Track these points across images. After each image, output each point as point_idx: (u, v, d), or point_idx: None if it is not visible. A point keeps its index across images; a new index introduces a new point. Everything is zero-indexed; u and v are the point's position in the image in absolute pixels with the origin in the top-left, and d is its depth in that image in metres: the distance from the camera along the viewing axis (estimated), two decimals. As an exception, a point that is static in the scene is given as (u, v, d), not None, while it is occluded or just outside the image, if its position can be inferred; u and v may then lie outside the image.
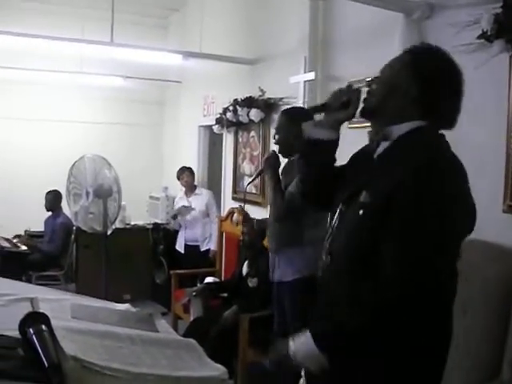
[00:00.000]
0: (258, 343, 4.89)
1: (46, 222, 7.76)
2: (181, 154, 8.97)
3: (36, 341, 1.25)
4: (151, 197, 8.50)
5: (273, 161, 3.84)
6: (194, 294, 5.55)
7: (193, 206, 7.14)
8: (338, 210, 1.92)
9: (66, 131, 9.14)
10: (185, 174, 7.32)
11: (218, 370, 1.42)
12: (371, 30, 4.64)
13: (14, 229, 7.99)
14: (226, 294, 5.66)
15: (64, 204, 7.10)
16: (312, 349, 1.76)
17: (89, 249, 7.00)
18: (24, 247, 7.52)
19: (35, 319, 1.32)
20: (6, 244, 7.59)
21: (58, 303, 1.70)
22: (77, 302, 1.79)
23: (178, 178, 7.39)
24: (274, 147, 4.00)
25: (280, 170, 3.87)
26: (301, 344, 1.81)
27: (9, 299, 1.63)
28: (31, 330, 1.28)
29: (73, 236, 7.44)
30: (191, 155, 8.42)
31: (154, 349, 1.42)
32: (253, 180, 4.40)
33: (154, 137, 9.95)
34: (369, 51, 4.53)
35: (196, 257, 6.98)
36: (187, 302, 5.74)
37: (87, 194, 6.08)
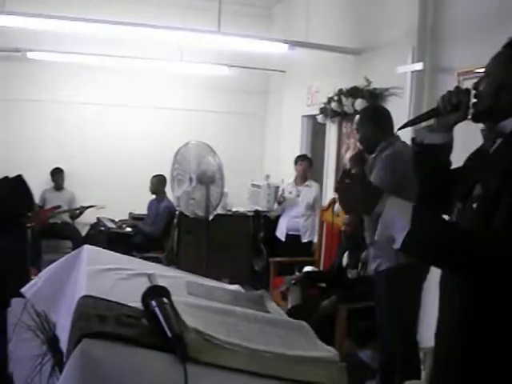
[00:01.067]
0: (355, 335, 4.88)
1: (150, 205, 8.04)
2: (283, 143, 9.03)
3: (158, 312, 1.32)
4: (253, 184, 8.61)
5: (358, 158, 3.85)
6: (292, 282, 5.58)
7: (300, 197, 7.15)
8: (456, 209, 1.91)
9: (171, 118, 9.42)
10: (303, 162, 7.28)
11: (330, 351, 1.44)
12: (485, 18, 4.46)
13: (119, 211, 8.32)
14: (324, 284, 5.66)
15: (167, 189, 7.32)
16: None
17: (190, 233, 7.18)
18: (128, 229, 7.83)
19: (157, 292, 1.39)
20: (111, 225, 7.93)
21: (174, 280, 1.77)
22: (191, 279, 1.85)
23: (295, 164, 7.33)
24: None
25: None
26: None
27: (128, 273, 1.71)
28: (153, 303, 1.35)
29: (175, 220, 7.67)
30: (293, 144, 8.44)
31: (268, 328, 1.46)
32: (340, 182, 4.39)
33: (256, 126, 10.04)
34: (480, 41, 4.35)
35: (296, 247, 7.00)
36: (286, 289, 5.78)
37: (190, 179, 6.23)
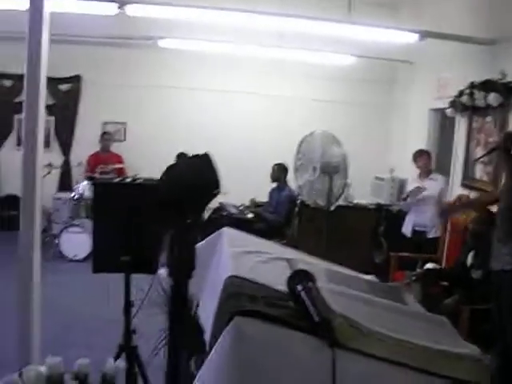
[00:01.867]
0: (478, 337, 4.70)
1: (271, 193, 8.13)
2: (409, 135, 8.81)
3: (305, 296, 1.34)
4: (376, 177, 8.47)
5: (510, 143, 3.66)
6: (413, 278, 5.47)
7: (426, 191, 6.95)
8: None
9: (295, 107, 9.46)
10: (422, 156, 7.07)
11: (474, 349, 1.40)
12: None
13: (241, 197, 8.47)
14: (446, 283, 5.50)
15: (289, 177, 7.37)
16: None
17: (311, 222, 7.19)
18: (250, 215, 7.96)
19: (302, 277, 1.41)
20: (234, 210, 8.09)
21: (314, 266, 1.78)
22: (329, 267, 1.86)
23: (414, 160, 7.13)
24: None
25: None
26: None
27: (268, 257, 1.75)
28: (299, 287, 1.38)
29: (296, 209, 7.71)
30: (420, 137, 8.21)
31: (408, 320, 1.44)
32: (482, 157, 4.20)
33: (381, 117, 9.86)
34: None
35: (421, 242, 6.80)
36: (406, 285, 5.67)
37: (314, 169, 6.25)
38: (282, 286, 1.42)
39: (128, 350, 3.31)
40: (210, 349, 1.32)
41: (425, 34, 6.60)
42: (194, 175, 1.37)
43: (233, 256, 1.67)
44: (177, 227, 1.35)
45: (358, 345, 1.25)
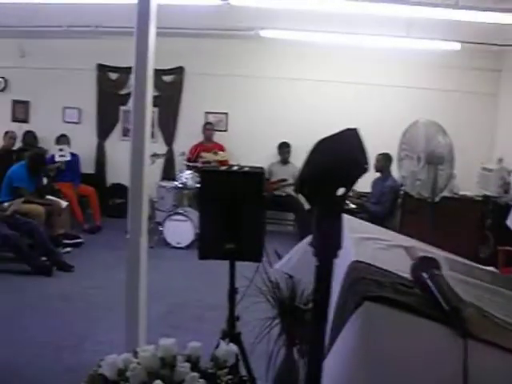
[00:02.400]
0: None
1: (374, 183, 7.99)
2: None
3: (431, 284, 1.29)
4: (484, 168, 8.13)
5: None
6: (524, 273, 5.23)
7: None
8: None
9: (397, 96, 9.25)
10: None
11: None
12: None
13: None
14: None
15: (392, 167, 7.22)
16: None
17: (414, 214, 7.01)
18: (352, 205, 7.87)
19: (427, 264, 1.36)
20: (336, 201, 8.01)
21: (433, 255, 1.73)
22: (448, 256, 1.80)
23: None
24: None
25: None
26: None
27: (387, 244, 1.71)
28: (425, 274, 1.33)
29: (399, 200, 7.55)
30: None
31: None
32: None
33: (488, 105, 9.45)
34: None
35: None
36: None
37: (418, 159, 6.07)
38: (403, 273, 1.38)
39: (231, 336, 3.35)
40: (332, 332, 1.30)
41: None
42: (345, 148, 1.34)
43: (354, 242, 1.65)
44: (325, 202, 1.32)
45: (492, 337, 1.19)
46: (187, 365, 1.76)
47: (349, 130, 1.40)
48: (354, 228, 1.76)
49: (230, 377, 1.79)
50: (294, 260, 2.03)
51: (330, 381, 1.22)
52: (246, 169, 3.20)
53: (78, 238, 8.06)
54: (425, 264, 1.37)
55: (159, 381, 1.66)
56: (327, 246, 1.28)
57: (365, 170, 1.34)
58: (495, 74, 9.46)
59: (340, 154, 1.33)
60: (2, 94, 10.46)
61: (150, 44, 3.90)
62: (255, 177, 3.14)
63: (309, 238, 1.99)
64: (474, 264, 1.88)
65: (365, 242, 1.67)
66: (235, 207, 3.08)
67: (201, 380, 1.71)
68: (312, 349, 1.17)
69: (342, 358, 1.23)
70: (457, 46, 8.29)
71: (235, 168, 3.25)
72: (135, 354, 1.85)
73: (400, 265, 1.39)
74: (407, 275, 1.37)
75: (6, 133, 9.60)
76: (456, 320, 1.18)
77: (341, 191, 1.32)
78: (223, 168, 3.43)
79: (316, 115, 9.23)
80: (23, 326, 5.03)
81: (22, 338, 4.74)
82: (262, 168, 3.20)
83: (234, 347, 1.87)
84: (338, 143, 1.35)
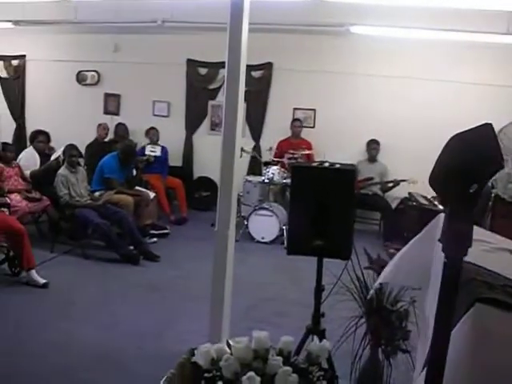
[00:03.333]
0: None
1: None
2: None
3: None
4: None
5: None
6: None
7: None
8: None
9: (485, 95, 8.90)
10: None
11: None
12: None
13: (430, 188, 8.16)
14: None
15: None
16: None
17: (506, 218, 6.80)
18: (441, 207, 7.66)
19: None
20: (423, 201, 7.84)
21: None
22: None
23: None
24: None
25: None
26: None
27: (492, 247, 1.67)
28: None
29: (490, 203, 7.31)
30: None
31: None
32: None
33: None
34: None
35: None
36: None
37: (512, 160, 5.89)
38: (511, 275, 1.34)
39: (316, 332, 3.34)
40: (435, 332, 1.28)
41: None
42: (479, 144, 1.31)
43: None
44: (457, 198, 1.30)
45: None
46: (279, 358, 1.77)
47: (483, 125, 1.36)
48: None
49: (321, 373, 1.79)
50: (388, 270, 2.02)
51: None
52: (338, 166, 3.19)
53: (165, 228, 8.24)
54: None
55: (252, 372, 1.68)
56: (458, 243, 1.26)
57: (500, 166, 1.30)
58: None
59: (474, 150, 1.30)
60: (96, 87, 10.84)
61: (243, 40, 3.93)
62: (347, 174, 3.12)
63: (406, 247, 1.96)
64: None
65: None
66: (325, 204, 3.07)
67: (293, 375, 1.71)
68: (436, 346, 1.16)
69: (451, 357, 1.20)
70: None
71: (326, 165, 3.24)
72: (228, 344, 1.87)
73: (507, 267, 1.35)
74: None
75: (100, 125, 9.95)
76: None
77: (473, 187, 1.29)
78: (315, 164, 3.42)
79: (406, 113, 9.05)
80: (111, 311, 5.20)
81: (109, 324, 4.90)
82: (353, 165, 3.18)
83: (327, 343, 1.87)
84: (472, 139, 1.32)
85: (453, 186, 1.29)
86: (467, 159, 1.28)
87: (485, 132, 1.31)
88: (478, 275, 1.30)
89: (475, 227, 1.97)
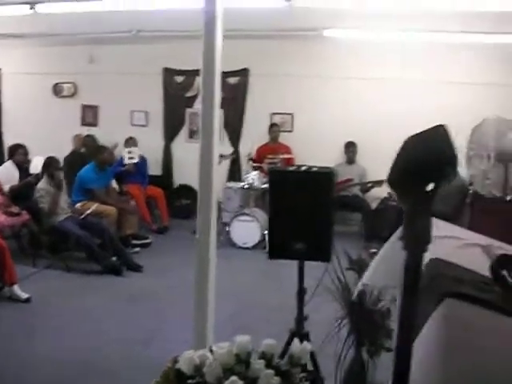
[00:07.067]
0: None
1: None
2: None
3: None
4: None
5: None
6: None
7: None
8: None
9: (462, 93, 9.02)
10: None
11: None
12: None
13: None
14: None
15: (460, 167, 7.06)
16: None
17: (484, 213, 6.84)
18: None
19: (507, 262, 1.35)
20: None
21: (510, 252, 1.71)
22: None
23: None
24: None
25: None
26: None
27: (463, 243, 1.70)
28: (505, 272, 1.32)
29: (468, 200, 7.38)
30: None
31: None
32: None
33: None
34: None
35: None
36: None
37: (488, 157, 5.96)
38: (482, 271, 1.37)
39: (300, 336, 3.36)
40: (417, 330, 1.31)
41: None
42: (433, 144, 1.35)
43: (432, 240, 1.64)
44: (415, 198, 1.34)
45: None
46: (262, 362, 1.78)
47: (437, 126, 1.41)
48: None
49: (304, 374, 1.81)
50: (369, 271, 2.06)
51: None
52: (315, 169, 3.22)
53: (147, 238, 8.24)
54: (504, 262, 1.35)
55: (235, 377, 1.69)
56: (417, 240, 1.30)
57: (454, 165, 1.35)
58: None
59: (429, 150, 1.34)
60: (72, 99, 10.80)
61: (218, 47, 3.95)
62: (324, 176, 3.15)
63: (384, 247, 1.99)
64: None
65: (442, 241, 1.67)
66: (304, 207, 3.10)
67: (276, 377, 1.73)
68: (401, 341, 1.18)
69: (423, 352, 1.23)
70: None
71: (304, 168, 3.27)
72: (211, 350, 1.88)
73: (478, 263, 1.38)
74: (486, 273, 1.36)
75: (76, 136, 9.92)
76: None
77: (430, 187, 1.34)
78: (292, 168, 3.45)
79: (382, 114, 9.13)
80: (95, 323, 5.19)
81: (94, 335, 4.89)
82: (330, 168, 3.21)
83: (308, 345, 1.89)
84: (427, 139, 1.36)
85: (410, 186, 1.33)
86: (423, 159, 1.33)
87: (439, 132, 1.35)
88: (448, 271, 1.34)
89: (448, 224, 2.01)
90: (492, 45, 8.42)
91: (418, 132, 1.42)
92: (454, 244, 1.67)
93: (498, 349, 1.17)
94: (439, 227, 1.84)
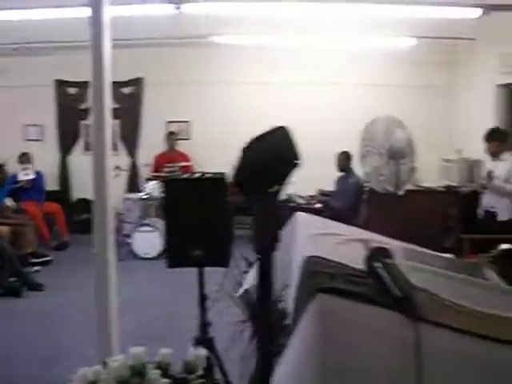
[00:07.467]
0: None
1: (338, 181, 8.09)
2: (474, 115, 8.56)
3: (384, 273, 1.33)
4: (445, 159, 8.27)
5: None
6: (489, 259, 5.31)
7: (495, 172, 6.59)
8: None
9: (355, 94, 9.35)
10: (494, 140, 6.71)
11: None
12: None
13: (307, 187, 8.41)
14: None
15: (354, 165, 7.30)
16: None
17: (379, 208, 7.08)
18: (318, 205, 7.95)
19: (380, 254, 1.40)
20: (301, 201, 8.09)
21: (389, 246, 1.77)
22: (405, 246, 1.85)
23: (487, 141, 6.53)
24: None
25: None
26: None
27: (343, 239, 1.75)
28: (378, 264, 1.37)
29: (364, 196, 7.63)
30: (486, 116, 7.95)
31: (492, 294, 1.41)
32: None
33: (444, 98, 9.62)
34: None
35: (495, 225, 6.51)
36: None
37: (380, 154, 6.18)
38: (359, 265, 1.42)
39: (204, 341, 3.35)
40: (291, 329, 1.33)
41: (490, 8, 6.41)
42: (273, 146, 1.38)
43: (309, 238, 1.69)
44: (259, 199, 1.37)
45: (443, 319, 1.23)
46: (157, 372, 1.77)
47: (279, 127, 1.46)
48: (310, 225, 1.81)
49: (201, 381, 1.81)
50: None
51: (285, 372, 1.25)
52: (208, 175, 3.23)
53: (46, 256, 7.98)
54: (377, 254, 1.41)
55: (130, 389, 1.68)
56: (265, 240, 1.33)
57: (294, 166, 1.39)
58: (450, 67, 9.64)
59: (269, 152, 1.38)
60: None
61: (106, 57, 3.89)
62: (217, 182, 3.17)
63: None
64: (432, 252, 1.93)
65: (322, 238, 1.71)
66: (200, 214, 3.10)
67: (172, 386, 1.73)
68: (260, 338, 1.20)
69: (300, 347, 1.26)
70: (412, 41, 8.46)
71: (197, 175, 3.27)
72: (105, 365, 1.86)
73: (356, 257, 1.43)
74: (361, 266, 1.41)
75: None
76: (407, 305, 1.22)
77: (275, 188, 1.38)
78: (185, 176, 3.45)
79: (279, 118, 9.20)
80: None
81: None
82: (223, 173, 3.23)
83: (203, 351, 1.89)
84: (269, 141, 1.40)
85: (253, 188, 1.36)
86: (265, 160, 1.37)
87: (280, 134, 1.40)
88: (321, 267, 1.37)
89: (331, 222, 2.07)
90: (385, 48, 8.75)
91: (260, 133, 1.47)
92: (334, 240, 1.72)
93: (367, 338, 1.21)
94: (321, 225, 1.89)
